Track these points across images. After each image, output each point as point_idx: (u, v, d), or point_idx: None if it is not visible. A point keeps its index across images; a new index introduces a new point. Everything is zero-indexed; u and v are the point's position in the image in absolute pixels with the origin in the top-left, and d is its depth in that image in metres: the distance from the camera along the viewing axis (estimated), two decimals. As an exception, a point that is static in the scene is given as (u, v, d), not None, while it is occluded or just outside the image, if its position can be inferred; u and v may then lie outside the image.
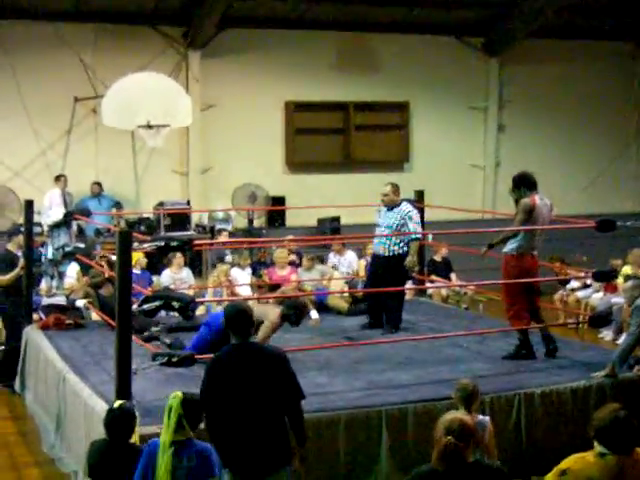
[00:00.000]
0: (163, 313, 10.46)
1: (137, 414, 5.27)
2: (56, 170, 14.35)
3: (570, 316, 12.18)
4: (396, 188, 9.61)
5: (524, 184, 8.29)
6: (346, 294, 11.28)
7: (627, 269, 12.34)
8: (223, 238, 13.57)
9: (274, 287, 10.77)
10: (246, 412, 5.04)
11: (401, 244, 9.39)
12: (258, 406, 5.05)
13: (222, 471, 5.19)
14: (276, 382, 5.12)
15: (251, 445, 5.04)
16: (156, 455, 4.72)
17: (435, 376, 7.68)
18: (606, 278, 10.36)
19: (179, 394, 4.84)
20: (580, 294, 12.93)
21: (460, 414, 4.26)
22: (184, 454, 4.74)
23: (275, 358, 5.22)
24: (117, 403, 5.38)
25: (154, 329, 8.93)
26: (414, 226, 9.37)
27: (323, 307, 10.43)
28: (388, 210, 9.50)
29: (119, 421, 5.07)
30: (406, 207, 9.48)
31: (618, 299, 11.95)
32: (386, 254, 9.45)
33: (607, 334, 12.00)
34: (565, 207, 15.39)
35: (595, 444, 4.12)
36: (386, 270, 9.44)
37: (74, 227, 13.33)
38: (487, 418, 5.99)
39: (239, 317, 5.24)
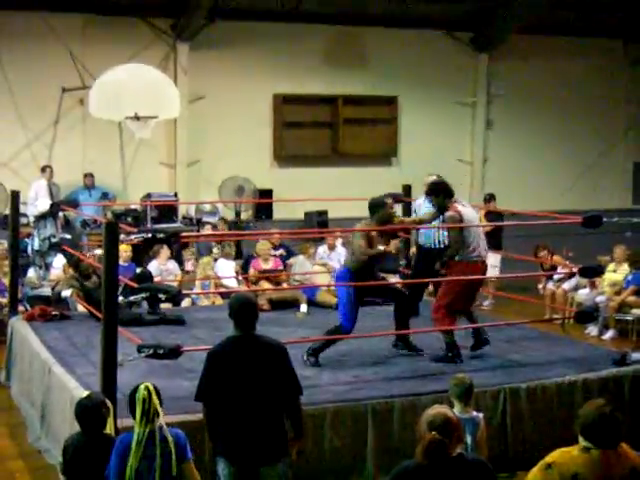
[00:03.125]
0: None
1: (109, 404, 5.24)
2: (43, 161, 14.29)
3: (556, 311, 12.22)
4: None
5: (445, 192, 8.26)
6: (334, 289, 11.25)
7: (612, 265, 12.40)
8: (206, 231, 13.56)
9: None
10: (245, 403, 5.05)
11: (446, 234, 9.05)
12: (257, 398, 5.05)
13: (218, 460, 5.20)
14: (276, 375, 5.12)
15: (249, 435, 5.05)
16: (129, 448, 4.70)
17: (421, 370, 7.71)
18: (593, 274, 10.38)
19: (148, 385, 4.80)
20: (566, 286, 12.91)
21: (444, 409, 4.23)
22: (160, 441, 4.72)
23: (276, 351, 5.20)
24: (85, 393, 5.36)
25: None
26: None
27: (313, 303, 10.46)
28: (430, 202, 8.92)
29: (89, 412, 5.04)
30: None
31: (603, 296, 12.01)
32: (437, 246, 9.37)
33: (592, 330, 12.03)
34: (552, 203, 15.44)
35: (580, 439, 4.13)
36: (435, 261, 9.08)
37: (60, 218, 13.31)
38: (480, 415, 5.95)
39: (243, 309, 5.19)
